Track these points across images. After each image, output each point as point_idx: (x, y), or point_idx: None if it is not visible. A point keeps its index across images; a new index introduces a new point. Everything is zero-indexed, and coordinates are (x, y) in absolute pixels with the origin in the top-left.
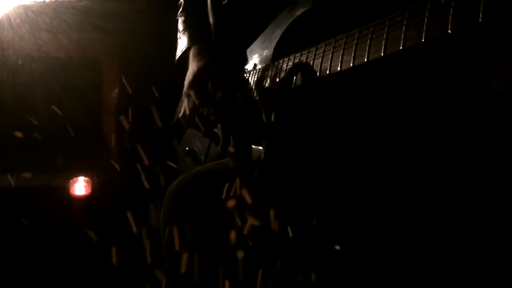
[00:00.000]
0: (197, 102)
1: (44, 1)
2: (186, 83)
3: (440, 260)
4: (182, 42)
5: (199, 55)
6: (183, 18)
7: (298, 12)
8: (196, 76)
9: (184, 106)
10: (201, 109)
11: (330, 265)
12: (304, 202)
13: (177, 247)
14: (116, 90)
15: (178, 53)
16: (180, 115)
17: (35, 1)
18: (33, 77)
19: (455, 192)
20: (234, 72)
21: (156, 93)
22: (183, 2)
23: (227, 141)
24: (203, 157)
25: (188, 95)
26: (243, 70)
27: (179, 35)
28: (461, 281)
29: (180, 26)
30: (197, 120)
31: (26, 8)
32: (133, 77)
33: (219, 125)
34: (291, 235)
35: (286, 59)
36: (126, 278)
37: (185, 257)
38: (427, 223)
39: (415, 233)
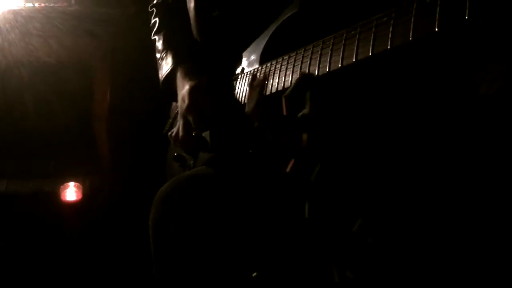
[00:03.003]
0: (194, 126)
1: (34, 6)
2: (182, 105)
3: (438, 261)
4: (166, 63)
5: (188, 75)
6: (162, 37)
7: (285, 16)
8: (192, 98)
9: (178, 127)
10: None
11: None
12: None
13: (166, 251)
14: (107, 95)
15: (164, 73)
16: (173, 135)
17: (25, 6)
18: (23, 82)
19: (443, 193)
20: (226, 87)
21: (146, 98)
22: (158, 22)
23: (217, 147)
24: (192, 162)
25: (185, 118)
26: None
27: (159, 55)
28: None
29: (160, 46)
30: (189, 143)
31: (16, 13)
32: (124, 82)
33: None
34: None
35: (274, 62)
36: (117, 282)
37: (174, 260)
38: (423, 223)
39: (412, 233)
